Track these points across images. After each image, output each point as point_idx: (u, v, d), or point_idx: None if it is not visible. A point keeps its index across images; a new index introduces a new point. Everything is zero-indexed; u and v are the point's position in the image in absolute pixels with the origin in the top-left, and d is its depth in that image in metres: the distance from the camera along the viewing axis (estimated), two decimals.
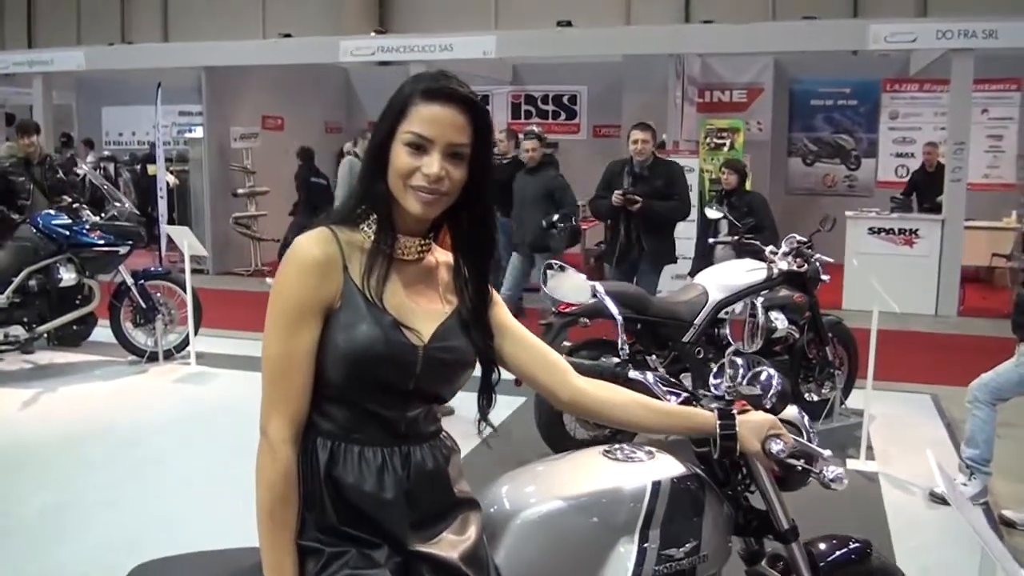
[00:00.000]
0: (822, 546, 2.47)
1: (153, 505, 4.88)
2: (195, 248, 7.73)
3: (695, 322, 5.57)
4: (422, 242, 1.87)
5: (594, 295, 2.52)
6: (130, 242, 7.60)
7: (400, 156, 1.76)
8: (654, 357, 5.46)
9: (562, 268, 2.75)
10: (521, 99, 16.38)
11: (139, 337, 7.88)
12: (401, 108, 1.78)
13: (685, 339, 5.52)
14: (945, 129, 12.47)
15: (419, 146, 1.75)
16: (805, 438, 2.21)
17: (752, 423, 2.02)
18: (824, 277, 6.06)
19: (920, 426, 6.41)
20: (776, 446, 1.98)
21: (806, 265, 5.93)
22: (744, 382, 2.28)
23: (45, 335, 7.54)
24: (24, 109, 16.41)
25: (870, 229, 10.95)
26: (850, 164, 14.94)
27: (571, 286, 2.73)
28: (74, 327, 7.59)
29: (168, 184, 12.57)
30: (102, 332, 7.91)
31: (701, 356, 5.59)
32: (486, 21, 18.28)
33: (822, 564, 2.39)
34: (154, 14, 21.06)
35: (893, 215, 11.07)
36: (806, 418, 2.34)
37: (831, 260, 6.06)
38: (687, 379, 5.54)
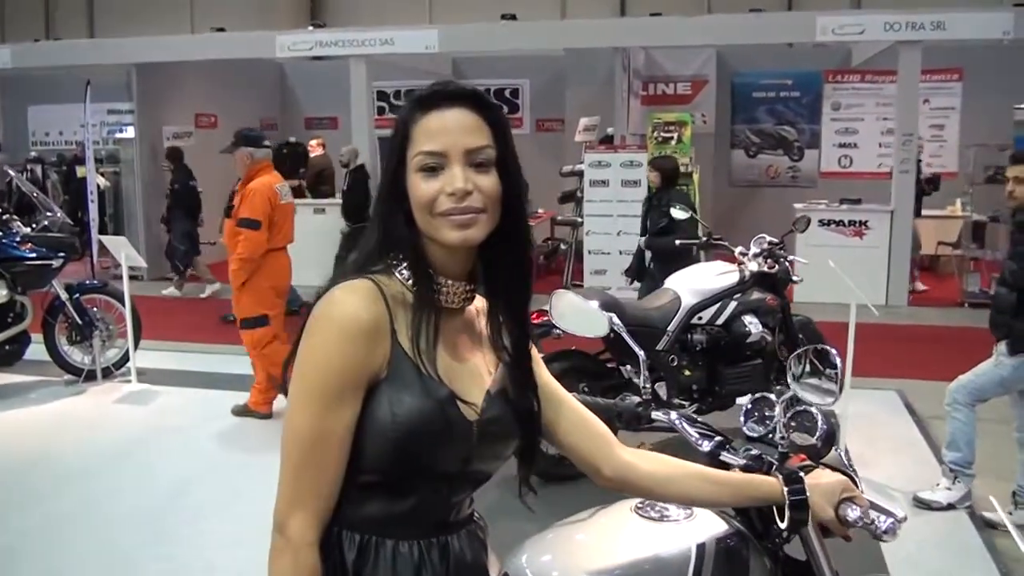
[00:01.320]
0: None
1: (102, 538, 4.56)
2: (133, 259, 7.33)
3: (668, 329, 5.37)
4: (467, 286, 1.57)
5: (612, 330, 2.28)
6: (63, 254, 7.20)
7: (418, 187, 1.48)
8: (628, 367, 5.27)
9: (573, 296, 2.48)
10: None
11: (75, 355, 7.47)
12: (403, 133, 1.51)
13: (659, 347, 5.31)
14: (888, 120, 12.53)
15: (434, 167, 1.47)
16: (858, 484, 2.01)
17: (824, 488, 1.76)
18: (795, 278, 5.91)
19: (891, 425, 6.31)
20: (853, 513, 1.73)
21: (776, 266, 5.78)
22: (787, 425, 2.04)
23: None
24: None
25: (820, 221, 10.89)
26: (793, 155, 14.91)
27: (585, 318, 2.49)
28: (6, 347, 7.17)
29: (99, 187, 12.03)
30: (37, 349, 7.46)
31: (675, 364, 5.39)
32: (420, 15, 17.98)
33: None
34: (79, 9, 20.39)
35: (843, 207, 11.04)
36: (850, 457, 2.14)
37: (804, 261, 5.90)
38: (661, 388, 5.36)
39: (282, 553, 1.45)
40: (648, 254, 7.90)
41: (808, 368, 2.06)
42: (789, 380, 2.04)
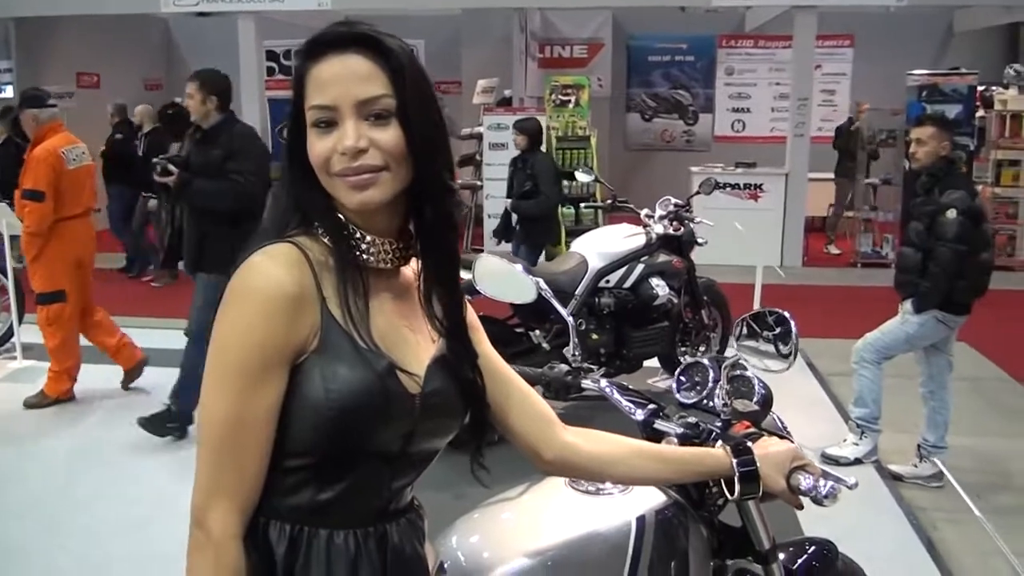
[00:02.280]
0: (786, 555, 2.24)
1: None
2: (14, 227, 6.91)
3: (576, 292, 5.32)
4: (396, 244, 1.42)
5: (539, 294, 2.19)
6: None
7: (312, 145, 1.34)
8: (537, 332, 5.20)
9: (497, 260, 2.37)
10: None
11: None
12: (298, 85, 1.36)
13: (567, 311, 5.27)
14: (780, 85, 12.73)
15: (328, 121, 1.32)
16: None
17: (773, 457, 1.68)
18: (700, 240, 5.92)
19: (794, 383, 6.34)
20: (806, 482, 1.66)
21: (682, 228, 5.78)
22: (724, 390, 1.97)
23: None
24: None
25: (716, 184, 10.98)
26: (688, 119, 15.05)
27: (511, 283, 2.38)
28: None
29: None
30: None
31: (583, 328, 5.34)
32: None
33: None
34: None
35: (738, 170, 11.18)
36: (784, 423, 2.10)
37: (710, 223, 5.91)
38: (569, 352, 5.32)
39: (202, 549, 1.30)
40: (514, 216, 8.05)
41: (753, 331, 1.99)
42: (733, 343, 1.97)
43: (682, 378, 2.12)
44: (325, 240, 1.38)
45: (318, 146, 1.33)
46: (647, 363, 5.83)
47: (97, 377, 6.23)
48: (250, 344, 1.30)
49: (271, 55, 14.19)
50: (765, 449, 1.69)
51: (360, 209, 1.35)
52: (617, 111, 14.95)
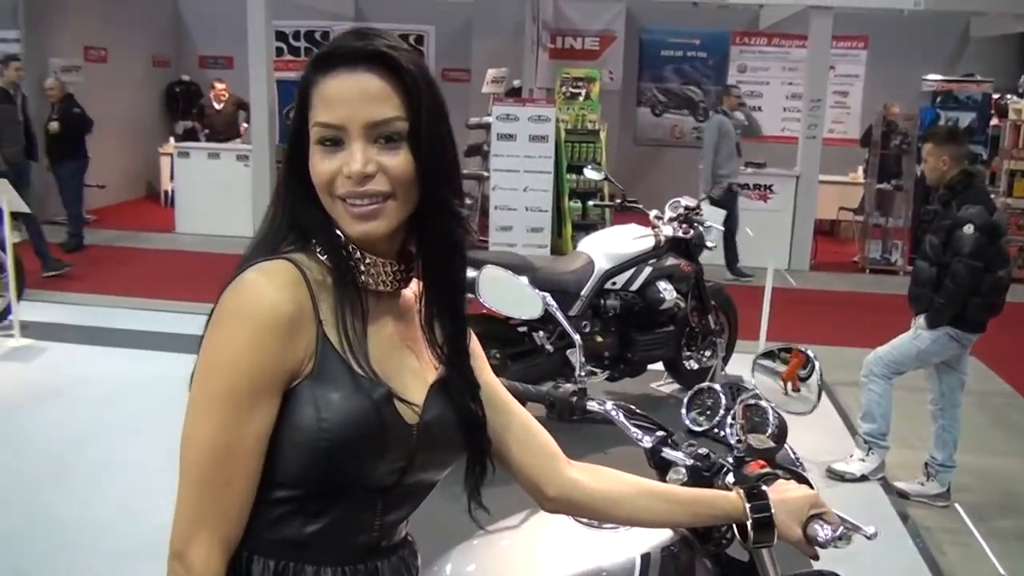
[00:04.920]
0: None
1: None
2: (16, 204, 6.83)
3: (582, 293, 5.24)
4: (398, 266, 1.35)
5: (546, 310, 2.10)
6: None
7: (315, 163, 1.26)
8: (540, 333, 5.11)
9: (502, 273, 2.29)
10: None
11: None
12: (304, 96, 1.27)
13: (572, 312, 5.18)
14: (793, 84, 12.60)
15: (334, 140, 1.24)
16: (811, 486, 1.87)
17: (791, 505, 1.57)
18: (709, 244, 5.82)
19: None
20: (823, 532, 1.55)
21: (691, 231, 5.68)
22: (735, 420, 1.87)
23: None
24: None
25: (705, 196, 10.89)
26: (698, 116, 14.88)
27: (516, 298, 2.29)
28: None
29: None
30: None
31: (588, 330, 5.27)
32: None
33: None
34: None
35: (748, 170, 11.05)
36: (798, 455, 2.00)
37: (720, 227, 5.81)
38: (573, 355, 5.22)
39: None
40: None
41: (771, 370, 1.89)
42: (753, 382, 1.87)
43: (692, 404, 2.03)
44: (323, 259, 1.30)
45: (321, 166, 1.25)
46: (651, 367, 5.75)
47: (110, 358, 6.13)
48: (240, 369, 1.21)
49: (280, 35, 14.10)
50: (782, 494, 1.59)
51: (362, 239, 1.28)
52: (627, 105, 14.79)
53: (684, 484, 1.78)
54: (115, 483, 4.52)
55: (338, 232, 1.29)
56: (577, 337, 2.44)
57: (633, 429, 1.96)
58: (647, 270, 5.45)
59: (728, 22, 13.65)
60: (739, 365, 5.99)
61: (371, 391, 1.26)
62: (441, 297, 1.40)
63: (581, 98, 11.85)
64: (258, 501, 1.26)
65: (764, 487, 1.60)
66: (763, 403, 1.92)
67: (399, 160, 1.25)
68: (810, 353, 1.85)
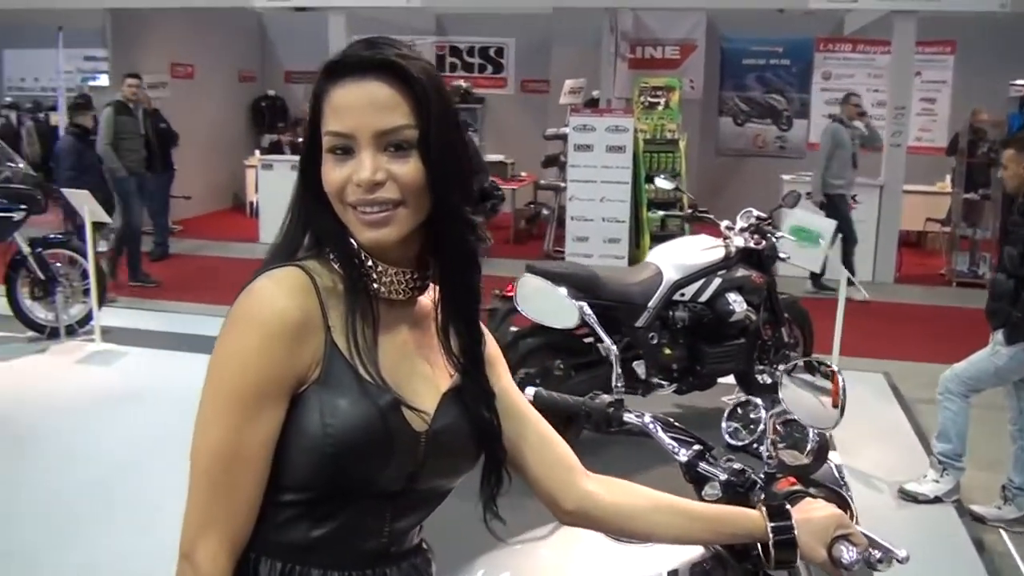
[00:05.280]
0: None
1: (47, 510, 4.36)
2: (97, 214, 7.05)
3: (649, 305, 5.15)
4: (412, 275, 1.35)
5: (583, 319, 2.07)
6: (25, 207, 6.91)
7: (327, 171, 1.27)
8: (606, 344, 5.05)
9: (540, 282, 2.25)
10: (446, 51, 15.69)
11: (38, 311, 7.21)
12: (315, 105, 1.29)
13: (638, 323, 5.10)
14: (878, 92, 12.29)
15: (344, 148, 1.26)
16: (853, 507, 1.79)
17: (815, 524, 1.50)
18: (782, 255, 5.69)
19: (877, 410, 6.11)
20: (848, 554, 1.47)
21: (763, 242, 5.56)
22: (771, 436, 1.81)
23: None
24: None
25: (808, 194, 10.64)
26: (781, 124, 14.67)
27: (553, 307, 2.26)
28: None
29: None
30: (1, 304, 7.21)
31: (655, 341, 5.18)
32: None
33: None
34: None
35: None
36: (843, 473, 1.93)
37: (792, 238, 5.69)
38: (640, 367, 5.16)
39: None
40: None
41: (802, 381, 1.82)
42: (780, 394, 1.81)
43: (733, 415, 1.97)
44: (336, 266, 1.32)
45: (332, 174, 1.27)
46: (722, 380, 5.64)
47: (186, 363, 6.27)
48: (247, 374, 1.24)
49: None
50: (807, 513, 1.52)
51: (373, 246, 1.29)
52: (709, 114, 14.64)
53: (719, 500, 1.74)
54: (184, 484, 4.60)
55: (351, 240, 1.30)
56: (613, 348, 2.39)
57: (669, 442, 1.91)
58: (717, 281, 5.35)
59: (811, 28, 13.38)
60: None
61: (377, 398, 1.27)
62: (456, 304, 1.40)
63: (660, 107, 11.76)
64: (266, 503, 1.28)
65: (789, 506, 1.54)
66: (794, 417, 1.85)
67: (409, 168, 1.25)
68: (836, 369, 1.78)
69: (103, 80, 13.00)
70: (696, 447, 1.88)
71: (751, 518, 1.52)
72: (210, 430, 1.25)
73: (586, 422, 2.02)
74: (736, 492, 1.75)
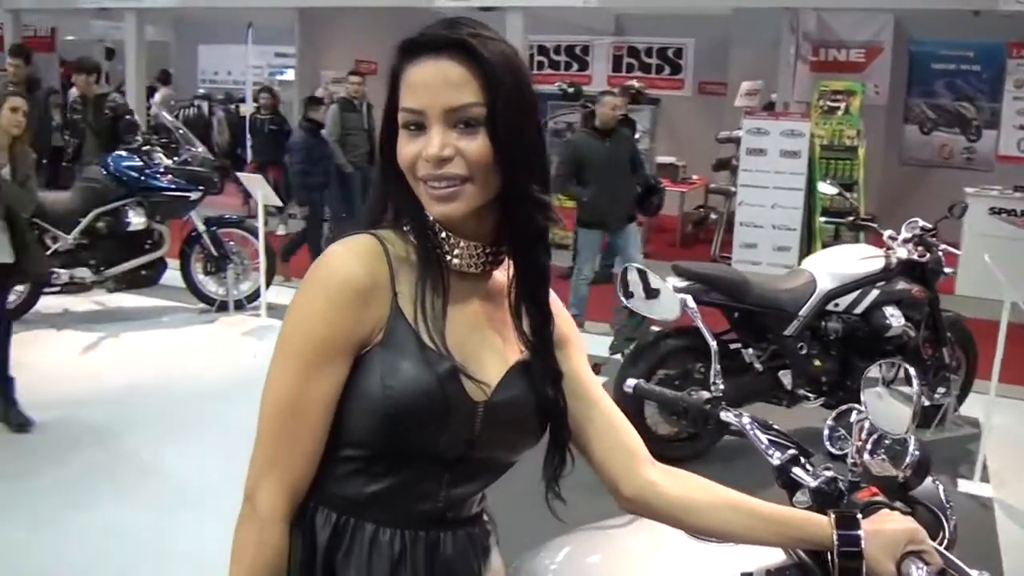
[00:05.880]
0: None
1: (199, 468, 4.68)
2: (269, 198, 7.41)
3: (800, 313, 5.00)
4: (486, 249, 1.39)
5: (684, 311, 2.05)
6: (202, 188, 7.35)
7: (401, 146, 1.32)
8: (751, 351, 4.94)
9: (644, 275, 2.24)
10: (623, 51, 15.61)
11: (210, 285, 7.69)
12: (393, 82, 1.34)
13: (787, 332, 4.96)
14: None
15: (417, 124, 1.30)
16: (947, 529, 1.69)
17: (886, 537, 1.42)
18: (947, 269, 5.41)
19: None
20: (917, 572, 1.37)
21: (928, 255, 5.29)
22: (869, 446, 1.72)
23: (112, 279, 7.27)
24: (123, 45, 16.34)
25: (991, 209, 10.06)
26: (970, 135, 13.83)
27: (654, 298, 2.25)
28: (143, 271, 7.36)
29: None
30: (175, 275, 7.69)
31: (804, 352, 5.02)
32: None
33: None
34: None
35: (1016, 194, 10.17)
36: (948, 494, 1.81)
37: (957, 252, 5.39)
38: (786, 376, 5.02)
39: (248, 523, 1.32)
40: None
41: (887, 381, 1.74)
42: (862, 396, 1.73)
43: (837, 424, 1.89)
44: (411, 237, 1.37)
45: (405, 149, 1.32)
46: None
47: None
48: (313, 332, 1.31)
49: (541, 50, 14.44)
50: (879, 525, 1.44)
51: (442, 220, 1.33)
52: (894, 121, 13.97)
53: (809, 508, 1.68)
54: None
55: (426, 213, 1.34)
56: (714, 344, 2.32)
57: (765, 443, 1.86)
58: (874, 293, 5.12)
59: (1004, 32, 12.60)
60: (975, 405, 5.54)
61: (437, 364, 1.31)
62: (526, 283, 1.42)
63: (840, 112, 11.33)
64: (327, 457, 1.35)
65: (860, 516, 1.46)
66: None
67: (476, 145, 1.28)
68: (912, 372, 1.70)
69: (290, 75, 13.59)
70: (791, 451, 1.82)
71: (818, 524, 1.46)
72: (276, 382, 1.33)
73: (683, 418, 1.99)
74: (826, 500, 1.68)
